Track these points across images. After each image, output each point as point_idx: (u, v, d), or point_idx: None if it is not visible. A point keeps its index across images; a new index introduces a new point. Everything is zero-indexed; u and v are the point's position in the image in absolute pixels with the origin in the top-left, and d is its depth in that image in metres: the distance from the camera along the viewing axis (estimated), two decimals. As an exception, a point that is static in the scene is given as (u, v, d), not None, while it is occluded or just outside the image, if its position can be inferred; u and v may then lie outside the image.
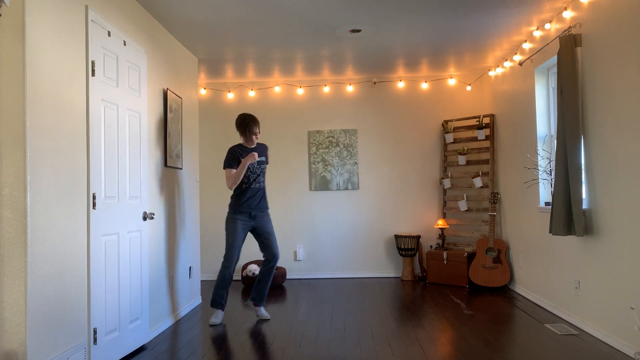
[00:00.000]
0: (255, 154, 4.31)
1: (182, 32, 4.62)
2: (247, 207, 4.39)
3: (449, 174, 6.32)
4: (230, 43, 4.98)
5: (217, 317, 4.39)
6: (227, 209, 4.39)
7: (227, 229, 4.41)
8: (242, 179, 4.39)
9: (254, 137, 4.44)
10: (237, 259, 4.41)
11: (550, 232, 4.04)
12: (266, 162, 4.51)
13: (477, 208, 6.14)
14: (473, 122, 6.36)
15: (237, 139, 6.60)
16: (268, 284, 4.48)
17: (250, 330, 4.13)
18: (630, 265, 3.33)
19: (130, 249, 3.60)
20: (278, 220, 6.51)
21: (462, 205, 6.13)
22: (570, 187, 3.81)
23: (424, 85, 6.54)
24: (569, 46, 3.93)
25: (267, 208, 4.52)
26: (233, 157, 4.38)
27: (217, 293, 4.38)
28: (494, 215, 5.77)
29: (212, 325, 4.32)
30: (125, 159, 3.55)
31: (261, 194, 4.46)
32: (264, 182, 4.49)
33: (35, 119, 2.59)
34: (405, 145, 6.58)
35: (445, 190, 6.46)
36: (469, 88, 6.52)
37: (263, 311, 4.50)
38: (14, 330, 2.49)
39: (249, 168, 4.38)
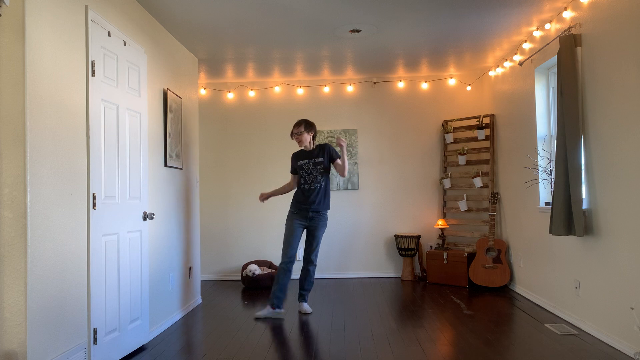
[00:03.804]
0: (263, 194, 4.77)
1: (182, 32, 4.62)
2: (296, 204, 4.62)
3: (449, 174, 6.32)
4: (230, 43, 4.98)
5: (263, 311, 4.55)
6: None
7: (285, 225, 4.63)
8: (299, 180, 4.66)
9: (294, 139, 4.68)
10: (294, 256, 4.53)
11: (550, 232, 4.04)
12: (325, 160, 4.60)
13: (477, 208, 6.14)
14: (473, 122, 6.36)
15: (235, 139, 6.65)
16: (305, 282, 4.71)
17: (250, 330, 4.13)
18: (630, 265, 3.33)
19: (130, 249, 3.60)
20: (278, 220, 6.51)
21: (462, 205, 6.13)
22: (570, 187, 3.81)
23: (424, 85, 6.54)
24: (569, 46, 3.93)
25: (324, 209, 4.62)
26: (291, 162, 4.80)
27: (272, 289, 4.55)
28: (494, 215, 5.77)
29: (256, 319, 4.49)
30: (125, 159, 3.55)
31: (315, 194, 4.57)
32: (323, 181, 4.60)
33: (35, 119, 2.59)
34: (405, 145, 6.59)
35: (445, 190, 6.46)
36: (469, 88, 6.52)
37: (305, 306, 4.67)
38: (14, 330, 2.49)
39: (303, 168, 4.62)
